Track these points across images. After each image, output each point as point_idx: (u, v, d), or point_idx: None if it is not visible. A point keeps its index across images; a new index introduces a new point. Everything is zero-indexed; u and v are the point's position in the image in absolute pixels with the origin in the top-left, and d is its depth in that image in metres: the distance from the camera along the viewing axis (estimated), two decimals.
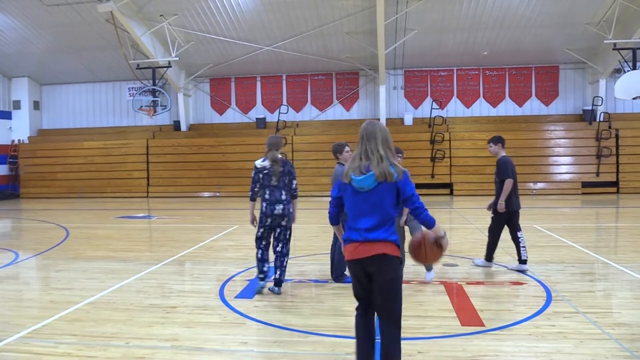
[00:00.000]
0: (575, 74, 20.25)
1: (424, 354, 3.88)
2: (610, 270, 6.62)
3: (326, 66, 20.61)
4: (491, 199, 6.72)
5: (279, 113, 20.27)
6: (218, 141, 20.30)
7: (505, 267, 6.71)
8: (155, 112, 19.10)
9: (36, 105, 22.98)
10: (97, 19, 17.25)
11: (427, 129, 19.54)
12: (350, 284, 5.82)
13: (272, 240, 5.76)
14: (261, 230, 5.69)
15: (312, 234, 10.17)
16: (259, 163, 5.66)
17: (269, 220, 5.58)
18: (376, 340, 3.36)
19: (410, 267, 6.44)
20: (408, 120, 20.24)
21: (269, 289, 5.69)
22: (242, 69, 20.85)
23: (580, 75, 20.24)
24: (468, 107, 20.77)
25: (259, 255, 5.70)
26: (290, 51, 19.37)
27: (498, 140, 6.68)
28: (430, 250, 3.28)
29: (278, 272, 5.63)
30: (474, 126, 19.87)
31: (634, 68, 16.33)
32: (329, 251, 6.41)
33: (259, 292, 5.62)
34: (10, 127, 22.28)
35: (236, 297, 5.54)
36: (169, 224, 12.11)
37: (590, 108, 19.18)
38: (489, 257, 6.76)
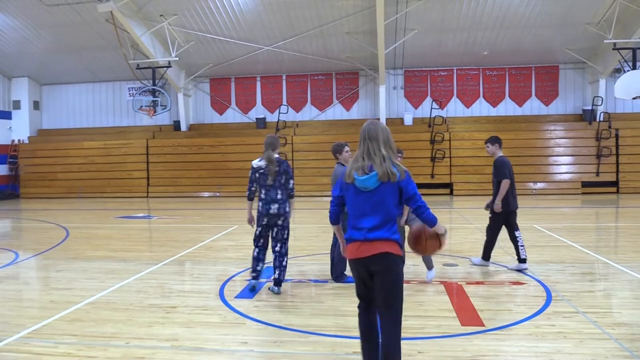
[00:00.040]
0: (575, 73, 20.25)
1: (424, 354, 3.88)
2: (610, 270, 6.62)
3: (326, 66, 20.61)
4: (490, 199, 6.73)
5: (279, 113, 20.28)
6: (218, 141, 20.31)
7: (505, 267, 6.72)
8: (155, 112, 19.09)
9: (36, 105, 22.98)
10: (97, 19, 17.25)
11: (427, 129, 19.55)
12: (350, 284, 5.89)
13: (270, 239, 5.78)
14: (259, 229, 5.73)
15: (312, 234, 10.17)
16: (255, 163, 5.69)
17: (265, 219, 5.63)
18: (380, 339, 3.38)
19: (410, 267, 6.45)
20: (408, 120, 20.24)
21: (269, 288, 5.70)
22: (242, 69, 20.85)
23: (580, 75, 20.25)
24: (468, 107, 20.77)
25: (255, 254, 5.76)
26: (290, 51, 19.38)
27: (495, 141, 6.70)
28: (429, 241, 3.33)
29: (277, 272, 5.64)
30: (473, 126, 19.87)
31: (634, 68, 16.33)
32: (329, 251, 6.42)
33: (251, 289, 5.69)
34: (10, 127, 22.28)
35: (236, 297, 5.54)
36: (169, 224, 12.11)
37: (590, 108, 19.19)
38: (487, 256, 6.79)
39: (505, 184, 6.42)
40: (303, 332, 4.40)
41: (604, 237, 9.90)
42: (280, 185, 5.62)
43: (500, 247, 7.45)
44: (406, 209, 5.79)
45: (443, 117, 19.74)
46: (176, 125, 21.63)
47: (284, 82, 21.59)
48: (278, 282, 5.63)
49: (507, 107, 20.60)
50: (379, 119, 20.33)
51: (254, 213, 5.82)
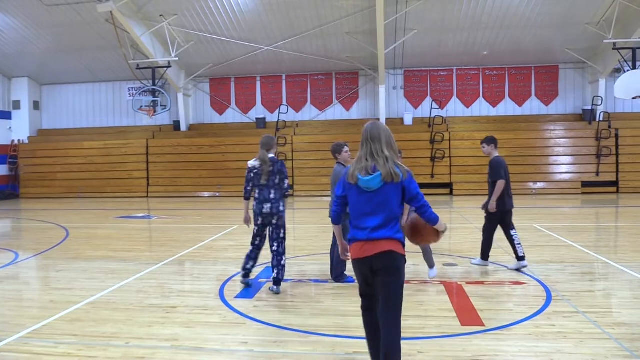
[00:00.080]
0: (575, 73, 20.26)
1: (424, 354, 3.88)
2: (610, 270, 6.62)
3: (326, 66, 20.61)
4: (487, 199, 6.76)
5: (279, 113, 20.28)
6: (218, 141, 20.31)
7: (505, 267, 6.72)
8: (155, 112, 19.09)
9: (36, 105, 22.98)
10: (97, 19, 17.26)
11: (427, 128, 19.55)
12: (350, 284, 5.89)
13: (268, 239, 5.84)
14: (255, 228, 5.82)
15: (312, 234, 10.17)
16: (250, 163, 5.78)
17: (260, 219, 5.72)
18: None
19: (410, 267, 6.45)
20: (408, 120, 20.24)
21: (269, 288, 5.71)
22: (242, 69, 20.85)
23: (580, 75, 20.25)
24: (468, 107, 20.77)
25: (248, 252, 5.89)
26: (290, 51, 19.38)
27: (491, 141, 6.72)
28: (426, 229, 3.41)
29: (276, 271, 5.66)
30: (473, 126, 19.87)
31: (634, 68, 16.33)
32: (329, 251, 6.42)
33: (246, 286, 5.86)
34: (10, 127, 22.28)
35: (236, 297, 5.54)
36: (169, 224, 12.11)
37: (590, 108, 19.19)
38: (485, 256, 6.81)
39: (500, 184, 6.45)
40: (303, 332, 4.40)
41: (604, 237, 9.90)
42: (274, 185, 5.66)
43: (499, 247, 7.46)
44: (406, 209, 5.79)
45: (443, 117, 19.74)
46: (176, 125, 21.63)
47: (284, 82, 21.59)
48: (277, 282, 5.64)
49: (507, 107, 20.61)
50: (379, 119, 20.30)
51: (251, 213, 5.86)
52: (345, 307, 5.08)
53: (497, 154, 6.68)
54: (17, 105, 22.41)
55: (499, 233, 6.71)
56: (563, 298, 5.26)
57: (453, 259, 7.33)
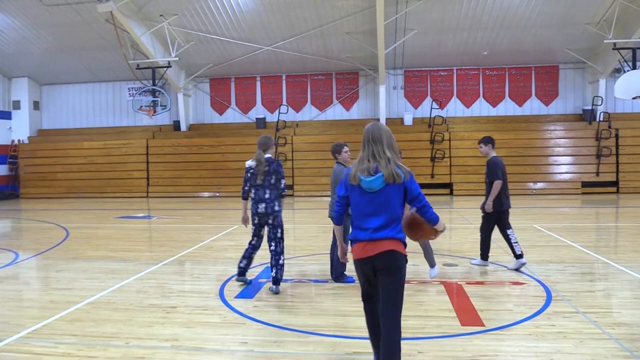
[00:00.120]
0: (575, 73, 20.26)
1: (424, 354, 3.88)
2: (610, 270, 6.62)
3: (326, 66, 20.61)
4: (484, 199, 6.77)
5: (279, 113, 20.27)
6: (218, 141, 20.31)
7: (505, 267, 6.72)
8: (155, 112, 19.09)
9: (36, 105, 22.98)
10: (97, 19, 17.25)
11: (427, 128, 19.55)
12: (351, 284, 5.89)
13: (264, 240, 5.92)
14: (253, 228, 5.89)
15: (312, 234, 10.17)
16: (248, 163, 5.83)
17: (256, 218, 5.79)
18: None
19: (411, 267, 6.45)
20: (408, 120, 20.24)
21: (269, 288, 5.72)
22: (242, 69, 20.85)
23: (580, 75, 20.25)
24: (468, 107, 20.77)
25: (244, 251, 5.98)
26: (290, 51, 19.38)
27: (488, 141, 6.73)
28: (425, 225, 3.42)
29: (274, 271, 5.68)
30: (473, 126, 19.87)
31: (634, 68, 16.33)
32: (329, 251, 6.42)
33: (245, 284, 5.97)
34: (10, 127, 22.28)
35: (236, 297, 5.54)
36: (169, 224, 12.11)
37: (590, 108, 19.19)
38: (485, 256, 6.82)
39: (497, 184, 6.47)
40: (303, 332, 4.40)
41: (604, 237, 9.90)
42: (269, 185, 5.69)
43: (499, 247, 7.46)
44: (406, 209, 5.80)
45: (443, 117, 19.74)
46: (176, 125, 21.63)
47: (284, 82, 21.59)
48: (276, 281, 5.66)
49: (507, 107, 20.61)
50: (379, 119, 20.36)
51: (249, 213, 5.90)
52: (345, 307, 5.08)
53: (494, 154, 6.69)
54: (17, 105, 22.41)
55: (497, 233, 6.72)
56: (563, 298, 5.26)
57: (453, 259, 7.33)
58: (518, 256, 6.48)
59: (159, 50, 18.70)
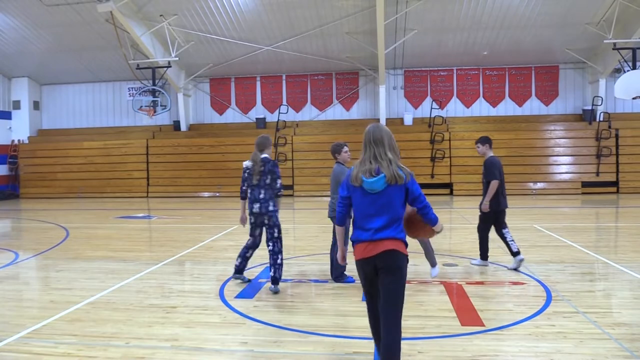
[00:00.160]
0: (575, 73, 20.25)
1: (424, 354, 3.88)
2: (610, 270, 6.62)
3: (326, 66, 20.61)
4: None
5: (279, 113, 20.27)
6: (218, 141, 20.30)
7: (505, 267, 6.72)
8: (155, 112, 19.09)
9: (36, 105, 22.98)
10: (97, 19, 17.25)
11: (427, 129, 19.55)
12: (350, 284, 5.89)
13: (262, 239, 6.00)
14: (250, 228, 5.93)
15: (312, 234, 10.17)
16: (245, 163, 5.89)
17: (252, 218, 5.84)
18: None
19: (411, 267, 6.43)
20: (408, 120, 20.24)
21: (269, 288, 5.72)
22: (242, 69, 20.85)
23: (580, 75, 20.25)
24: (468, 107, 20.77)
25: (240, 250, 6.06)
26: (290, 51, 19.38)
27: (486, 141, 6.75)
28: (422, 223, 3.45)
29: (272, 270, 5.69)
30: (473, 126, 19.87)
31: (634, 68, 16.33)
32: (329, 251, 6.42)
33: (244, 282, 6.02)
34: (10, 127, 22.27)
35: (236, 297, 5.54)
36: (169, 224, 12.10)
37: (590, 108, 19.19)
38: (484, 256, 6.83)
39: (494, 184, 6.49)
40: (303, 332, 4.40)
41: (604, 237, 9.90)
42: (264, 185, 5.72)
43: (499, 247, 7.46)
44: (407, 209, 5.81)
45: (443, 117, 19.74)
46: (176, 125, 21.63)
47: (284, 82, 21.59)
48: (275, 280, 5.67)
49: (507, 107, 20.60)
50: (379, 119, 20.33)
51: (247, 213, 5.95)
52: (345, 307, 5.08)
53: (491, 154, 6.71)
54: (17, 105, 22.40)
55: (495, 233, 6.73)
56: (563, 298, 5.26)
57: (453, 259, 7.33)
58: (515, 254, 6.50)
59: (159, 50, 18.70)
